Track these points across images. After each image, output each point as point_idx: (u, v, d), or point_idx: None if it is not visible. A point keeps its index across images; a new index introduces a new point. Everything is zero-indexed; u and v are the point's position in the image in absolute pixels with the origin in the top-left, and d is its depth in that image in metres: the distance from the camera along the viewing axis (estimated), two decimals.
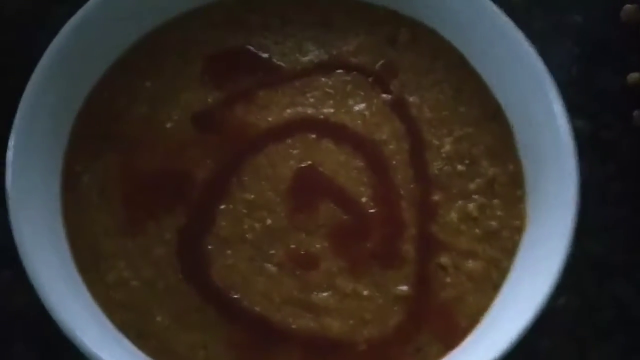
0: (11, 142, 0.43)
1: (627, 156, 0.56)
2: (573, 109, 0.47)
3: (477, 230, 0.46)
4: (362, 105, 0.49)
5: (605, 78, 0.59)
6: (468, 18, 0.50)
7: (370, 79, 0.50)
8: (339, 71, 0.50)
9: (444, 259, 0.45)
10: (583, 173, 0.45)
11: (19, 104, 0.44)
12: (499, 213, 0.47)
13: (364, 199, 0.46)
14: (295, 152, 0.47)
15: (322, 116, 0.49)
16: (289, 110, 0.49)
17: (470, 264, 0.45)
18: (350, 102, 0.49)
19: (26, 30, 0.55)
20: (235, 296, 0.43)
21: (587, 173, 0.46)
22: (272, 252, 0.44)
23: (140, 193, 0.45)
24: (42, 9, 0.56)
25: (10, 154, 0.42)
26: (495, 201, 0.47)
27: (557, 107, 0.46)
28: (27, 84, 0.44)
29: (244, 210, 0.45)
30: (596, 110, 0.58)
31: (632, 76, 0.57)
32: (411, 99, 0.50)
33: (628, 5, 0.59)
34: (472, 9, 0.50)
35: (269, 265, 0.44)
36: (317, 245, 0.45)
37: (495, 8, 0.49)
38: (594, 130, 0.57)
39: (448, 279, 0.45)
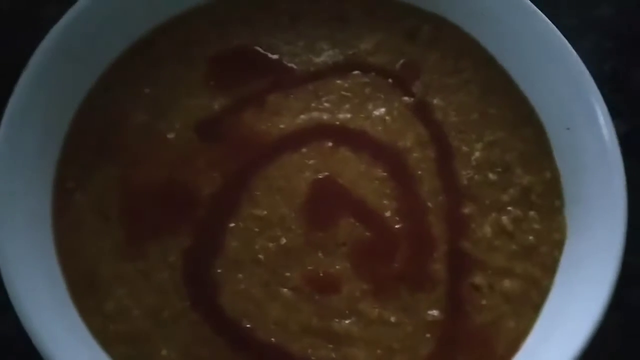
0: None
1: None
2: (607, 109, 0.43)
3: (513, 246, 0.42)
4: (382, 110, 0.45)
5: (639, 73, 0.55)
6: (496, 13, 0.46)
7: (390, 81, 0.46)
8: (355, 72, 0.46)
9: (478, 279, 0.41)
10: None
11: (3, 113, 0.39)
12: (536, 226, 0.42)
13: (387, 213, 0.42)
14: (310, 162, 0.43)
15: (338, 122, 0.44)
16: (302, 117, 0.44)
17: (507, 283, 0.41)
18: (370, 106, 0.45)
19: (16, 31, 0.51)
20: (248, 325, 0.39)
21: None
22: (288, 274, 0.40)
23: (141, 211, 0.41)
24: (34, 8, 0.52)
25: None
26: (532, 213, 0.43)
27: (600, 111, 0.42)
28: (12, 92, 0.40)
29: (256, 229, 0.41)
30: (632, 110, 0.53)
31: None
32: (435, 101, 0.45)
33: None
34: (501, 2, 0.45)
35: (285, 289, 0.40)
36: (337, 266, 0.40)
37: (526, 1, 0.45)
38: (629, 131, 0.53)
39: (483, 301, 0.40)
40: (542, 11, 0.45)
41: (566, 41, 0.44)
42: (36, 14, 0.52)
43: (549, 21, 0.45)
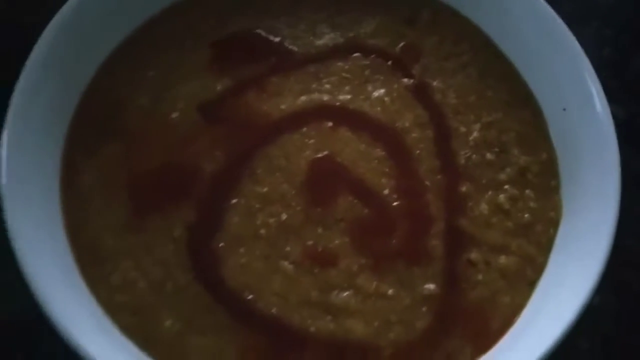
0: (4, 137, 0.39)
1: None
2: (605, 94, 0.44)
3: (509, 224, 0.43)
4: (382, 91, 0.46)
5: (638, 61, 0.56)
6: None
7: (389, 63, 0.47)
8: (356, 55, 0.47)
9: (474, 255, 0.42)
10: None
11: (10, 96, 0.40)
12: (532, 205, 0.43)
13: (386, 191, 0.43)
14: (310, 141, 0.44)
15: (338, 103, 0.45)
16: (303, 98, 0.45)
17: (503, 260, 0.42)
18: (369, 87, 0.46)
19: (19, 18, 0.52)
20: (250, 297, 0.40)
21: (621, 163, 0.42)
22: (288, 249, 0.41)
23: (145, 187, 0.42)
24: None
25: (3, 150, 0.39)
26: (528, 192, 0.44)
27: (596, 92, 0.42)
28: (19, 75, 0.41)
29: (257, 205, 0.42)
30: (630, 95, 0.54)
31: None
32: (435, 83, 0.46)
33: None
34: None
35: (285, 263, 0.41)
36: (336, 241, 0.41)
37: None
38: (628, 117, 0.54)
39: (479, 277, 0.41)
40: None
41: (563, 23, 0.44)
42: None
43: (546, 4, 0.45)
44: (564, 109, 0.44)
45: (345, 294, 0.40)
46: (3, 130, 0.39)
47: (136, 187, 0.42)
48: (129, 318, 0.39)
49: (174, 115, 0.44)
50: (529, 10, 0.46)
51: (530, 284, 0.41)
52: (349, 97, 0.46)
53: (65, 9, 0.43)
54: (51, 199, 0.41)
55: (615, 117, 0.52)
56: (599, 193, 0.41)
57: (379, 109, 0.45)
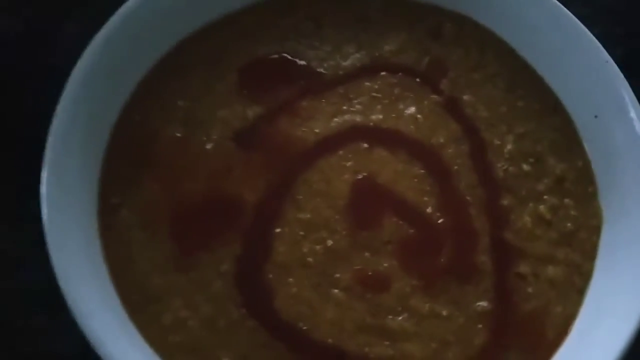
0: (44, 175, 0.39)
1: None
2: None
3: (552, 234, 0.43)
4: (413, 109, 0.46)
5: None
6: (515, 7, 0.47)
7: (417, 80, 0.47)
8: (383, 74, 0.47)
9: (522, 268, 0.42)
10: None
11: (45, 134, 0.40)
12: (572, 213, 0.44)
13: (429, 209, 0.43)
14: (348, 164, 0.44)
15: (372, 123, 0.45)
16: (336, 119, 0.45)
17: (551, 270, 0.42)
18: (400, 105, 0.46)
19: (35, 51, 0.51)
20: (304, 328, 0.39)
21: None
22: (338, 275, 0.40)
23: (188, 222, 0.41)
24: (51, 27, 0.52)
25: (43, 188, 0.38)
26: (567, 200, 0.44)
27: (629, 99, 0.43)
28: (53, 114, 0.40)
29: (302, 232, 0.41)
30: None
31: None
32: (464, 97, 0.46)
33: None
34: None
35: (336, 290, 0.40)
36: (385, 264, 0.41)
37: None
38: None
39: (529, 289, 0.41)
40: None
41: (587, 31, 0.45)
42: (54, 32, 0.52)
43: (568, 12, 0.46)
44: (596, 116, 0.45)
45: (400, 317, 0.40)
46: (43, 167, 0.39)
47: (178, 223, 0.41)
48: (185, 358, 0.38)
49: (209, 145, 0.43)
50: (550, 18, 0.46)
51: (579, 292, 0.42)
52: (381, 116, 0.45)
53: (94, 44, 0.42)
54: (92, 240, 0.40)
55: None
56: (637, 198, 0.42)
57: (412, 127, 0.45)
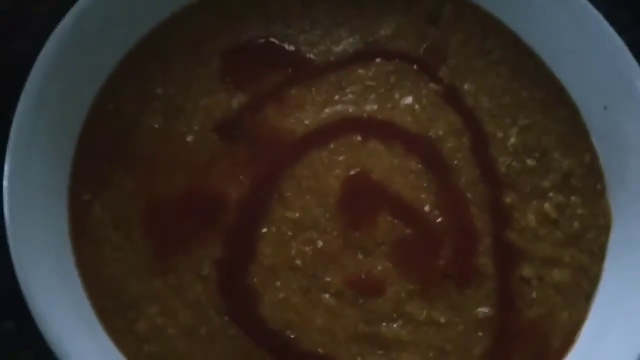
0: (6, 169, 0.35)
1: None
2: None
3: (558, 234, 0.40)
4: (410, 98, 0.43)
5: None
6: None
7: (415, 67, 0.43)
8: (378, 60, 0.43)
9: (526, 271, 0.39)
10: None
11: (9, 123, 0.36)
12: (580, 211, 0.41)
13: (426, 208, 0.40)
14: (340, 158, 0.40)
15: (365, 114, 0.42)
16: (327, 110, 0.42)
17: (556, 273, 0.39)
18: (396, 95, 0.43)
19: (10, 31, 0.48)
20: (292, 336, 0.36)
21: None
22: (328, 279, 0.38)
23: (165, 221, 0.38)
24: (20, 9, 0.48)
25: (5, 183, 0.35)
26: (574, 198, 0.41)
27: None
28: (17, 100, 0.37)
29: (290, 233, 0.38)
30: None
31: None
32: (465, 86, 0.43)
33: None
34: None
35: (326, 295, 0.37)
36: (379, 267, 0.38)
37: None
38: None
39: (534, 294, 0.38)
40: None
41: (600, 15, 0.42)
42: (27, 12, 0.49)
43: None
44: (605, 108, 0.42)
45: (395, 324, 0.37)
46: (5, 160, 0.35)
47: (155, 222, 0.38)
48: None
49: (189, 137, 0.40)
50: (556, 0, 0.43)
51: (587, 297, 0.39)
52: (375, 106, 0.42)
53: (66, 21, 0.38)
54: (60, 240, 0.37)
55: None
56: None
57: (409, 118, 0.42)
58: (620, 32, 0.54)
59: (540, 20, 0.44)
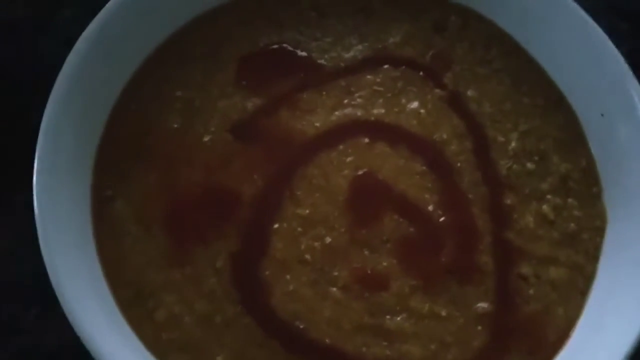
0: (36, 165, 0.38)
1: None
2: None
3: (555, 234, 0.42)
4: (416, 103, 0.45)
5: None
6: (521, 0, 0.46)
7: (421, 73, 0.46)
8: (386, 66, 0.46)
9: (524, 269, 0.41)
10: None
11: (38, 123, 0.38)
12: (576, 213, 0.43)
13: (430, 207, 0.42)
14: (349, 159, 0.43)
15: (373, 117, 0.44)
16: (337, 113, 0.44)
17: (553, 271, 0.41)
18: (403, 100, 0.45)
19: (29, 38, 0.50)
20: (301, 326, 0.38)
21: None
22: (336, 273, 0.40)
23: (183, 216, 0.40)
24: (44, 14, 0.51)
25: (36, 179, 0.37)
26: (571, 200, 0.43)
27: (637, 97, 0.42)
28: (47, 101, 0.39)
29: (300, 229, 0.40)
30: None
31: None
32: (468, 92, 0.45)
33: None
34: None
35: (334, 289, 0.39)
36: (385, 263, 0.40)
37: None
38: None
39: (531, 291, 0.40)
40: None
41: (597, 27, 0.44)
42: (51, 18, 0.51)
43: (576, 5, 0.45)
44: (602, 115, 0.44)
45: (399, 317, 0.39)
46: (36, 158, 0.38)
47: (173, 216, 0.40)
48: (179, 356, 0.37)
49: (207, 137, 0.42)
50: (557, 12, 0.45)
51: (582, 294, 0.41)
52: (383, 110, 0.44)
53: (89, 29, 0.41)
54: (84, 232, 0.39)
55: None
56: None
57: (414, 121, 0.44)
58: (619, 43, 0.56)
59: (541, 32, 0.46)
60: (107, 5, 0.41)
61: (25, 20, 0.51)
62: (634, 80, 0.42)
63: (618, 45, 0.57)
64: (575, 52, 0.45)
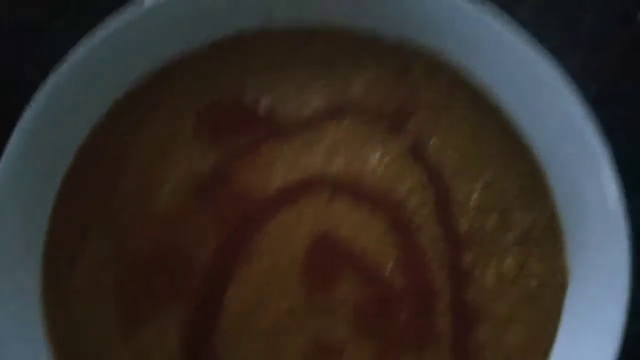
0: None
1: None
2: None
3: (516, 293, 0.42)
4: (378, 154, 0.44)
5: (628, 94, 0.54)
6: (486, 46, 0.44)
7: (384, 123, 0.45)
8: (348, 117, 0.45)
9: (482, 331, 0.40)
10: None
11: None
12: (537, 270, 0.42)
13: (389, 266, 0.41)
14: (307, 217, 0.42)
15: (334, 172, 0.43)
16: (297, 167, 0.43)
17: (511, 334, 0.41)
18: (365, 151, 0.44)
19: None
20: None
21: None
22: (292, 342, 0.39)
23: (136, 285, 0.40)
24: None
25: None
26: (532, 257, 0.42)
27: (602, 155, 0.41)
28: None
29: (254, 296, 0.40)
30: (622, 134, 0.53)
31: None
32: (432, 141, 0.44)
33: None
34: (480, 31, 0.43)
35: (289, 357, 0.39)
36: (342, 329, 0.40)
37: (509, 33, 0.43)
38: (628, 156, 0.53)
39: (490, 354, 0.40)
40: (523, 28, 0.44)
41: (563, 74, 0.42)
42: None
43: (544, 56, 0.43)
44: (565, 166, 0.43)
45: None
46: None
47: (124, 286, 0.40)
48: None
49: (161, 199, 0.42)
50: (523, 60, 0.43)
51: (544, 355, 0.41)
52: (344, 164, 0.43)
53: (43, 91, 0.40)
54: (33, 303, 0.39)
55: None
56: (607, 257, 0.40)
57: (376, 174, 0.43)
58: (589, 83, 0.54)
59: (506, 81, 0.45)
60: (60, 67, 0.40)
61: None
62: (599, 139, 0.41)
63: (588, 82, 0.56)
64: (540, 102, 0.43)
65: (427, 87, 0.46)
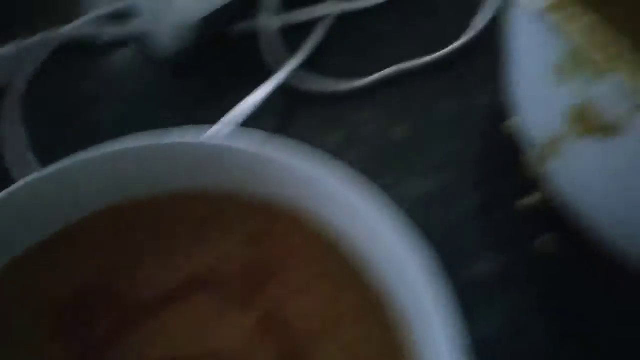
0: None
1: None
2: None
3: None
4: (232, 332, 0.43)
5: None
6: (342, 205, 0.44)
7: (235, 294, 0.44)
8: (200, 293, 0.45)
9: None
10: None
11: None
12: None
13: None
14: None
15: (186, 354, 0.43)
16: (147, 355, 0.43)
17: None
18: (218, 330, 0.44)
19: None
20: None
21: None
22: None
23: None
24: None
25: None
26: None
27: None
28: None
29: None
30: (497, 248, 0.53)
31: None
32: (287, 309, 0.44)
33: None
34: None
35: None
36: None
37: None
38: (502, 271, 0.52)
39: None
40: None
41: (409, 242, 0.41)
42: None
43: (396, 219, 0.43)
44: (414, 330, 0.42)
45: None
46: None
47: None
48: None
49: None
50: (376, 218, 0.43)
51: None
52: (198, 345, 0.43)
53: None
54: None
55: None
56: None
57: (230, 354, 0.43)
58: (471, 192, 0.54)
59: (367, 236, 0.44)
60: None
61: None
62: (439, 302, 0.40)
63: (469, 194, 0.56)
64: (394, 262, 0.43)
65: (280, 251, 0.46)
